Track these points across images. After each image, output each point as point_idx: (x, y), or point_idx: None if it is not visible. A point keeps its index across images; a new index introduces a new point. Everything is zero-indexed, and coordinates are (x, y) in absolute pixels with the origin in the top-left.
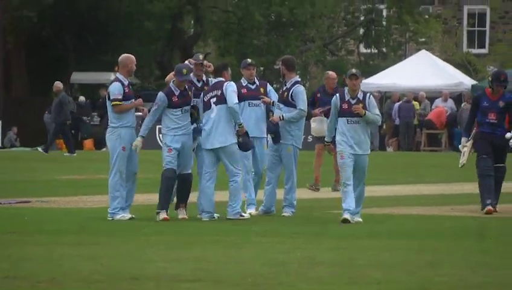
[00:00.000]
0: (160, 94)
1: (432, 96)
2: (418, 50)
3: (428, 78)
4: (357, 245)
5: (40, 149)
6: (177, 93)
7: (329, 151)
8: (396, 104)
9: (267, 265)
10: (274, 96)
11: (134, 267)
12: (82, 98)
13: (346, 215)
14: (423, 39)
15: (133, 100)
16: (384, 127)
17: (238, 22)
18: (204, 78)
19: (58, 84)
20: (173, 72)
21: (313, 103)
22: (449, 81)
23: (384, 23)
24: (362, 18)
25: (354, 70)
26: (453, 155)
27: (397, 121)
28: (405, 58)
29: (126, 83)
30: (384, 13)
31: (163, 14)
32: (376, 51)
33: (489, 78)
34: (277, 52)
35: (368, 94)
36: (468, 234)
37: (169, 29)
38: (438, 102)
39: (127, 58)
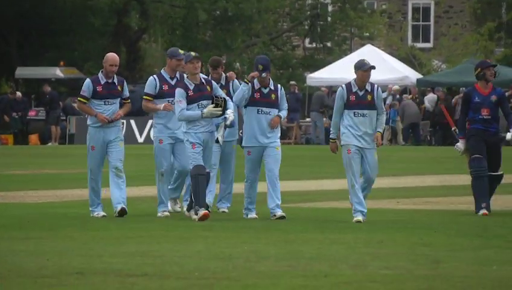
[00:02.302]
0: (180, 90)
1: None
2: (363, 45)
3: (373, 72)
4: (304, 239)
5: None
6: (191, 87)
7: (332, 150)
8: None
9: (213, 259)
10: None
11: (80, 262)
12: (19, 94)
13: (359, 217)
14: (367, 34)
15: (110, 100)
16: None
17: (183, 17)
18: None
19: None
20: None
21: None
22: (394, 75)
23: (329, 18)
24: (308, 13)
25: (367, 62)
26: (396, 148)
27: None
28: (350, 52)
29: (103, 81)
30: (330, 8)
31: (108, 10)
32: (321, 45)
33: (477, 71)
34: (223, 47)
35: (376, 85)
36: (413, 227)
37: (115, 25)
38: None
39: (104, 57)
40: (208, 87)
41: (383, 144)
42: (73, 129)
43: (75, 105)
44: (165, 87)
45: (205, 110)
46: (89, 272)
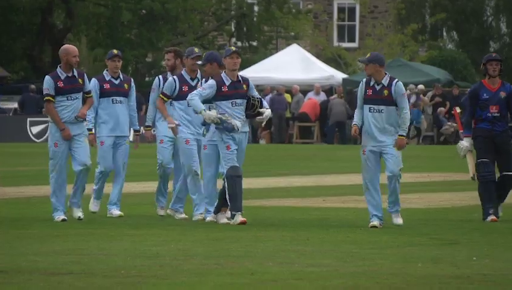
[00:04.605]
0: (211, 82)
1: (304, 89)
2: (289, 44)
3: (299, 71)
4: (231, 237)
5: None
6: (227, 82)
7: (354, 135)
8: (268, 97)
9: (140, 257)
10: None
11: (3, 261)
12: None
13: (375, 222)
14: (292, 34)
15: (73, 95)
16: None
17: (108, 17)
18: (198, 74)
19: None
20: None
21: None
22: (320, 75)
23: (255, 18)
24: (233, 13)
25: (366, 57)
26: (325, 147)
27: None
28: (276, 52)
29: (63, 76)
30: (256, 8)
31: (31, 8)
32: (247, 45)
33: (483, 65)
34: (148, 46)
35: (395, 80)
36: (339, 224)
37: (39, 23)
38: (311, 95)
39: (62, 50)
40: (244, 86)
41: (407, 144)
42: None
43: (45, 107)
44: (185, 88)
45: (207, 113)
46: (12, 271)
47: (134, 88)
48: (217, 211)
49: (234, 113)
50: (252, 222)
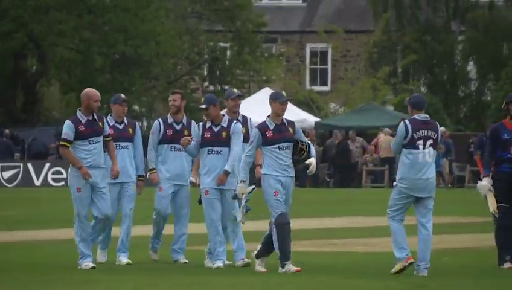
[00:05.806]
0: (254, 131)
1: None
2: (261, 88)
3: None
4: (201, 282)
5: None
6: (271, 127)
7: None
8: None
9: None
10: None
11: None
12: None
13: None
14: (264, 77)
15: (95, 138)
16: None
17: (80, 61)
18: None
19: None
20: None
21: None
22: (293, 119)
23: (227, 62)
24: (205, 56)
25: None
26: (299, 191)
27: None
28: (248, 96)
29: (84, 120)
30: (228, 52)
31: (5, 52)
32: (220, 88)
33: (505, 105)
34: (121, 90)
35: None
36: (315, 268)
37: (12, 68)
38: None
39: (83, 94)
40: (290, 129)
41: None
42: None
43: (60, 152)
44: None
45: (243, 186)
46: None
47: (139, 131)
48: (258, 255)
49: (281, 158)
50: (223, 268)
